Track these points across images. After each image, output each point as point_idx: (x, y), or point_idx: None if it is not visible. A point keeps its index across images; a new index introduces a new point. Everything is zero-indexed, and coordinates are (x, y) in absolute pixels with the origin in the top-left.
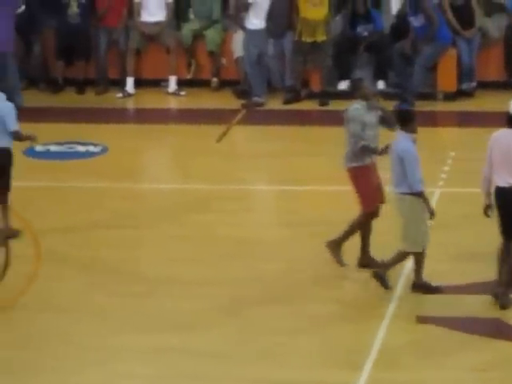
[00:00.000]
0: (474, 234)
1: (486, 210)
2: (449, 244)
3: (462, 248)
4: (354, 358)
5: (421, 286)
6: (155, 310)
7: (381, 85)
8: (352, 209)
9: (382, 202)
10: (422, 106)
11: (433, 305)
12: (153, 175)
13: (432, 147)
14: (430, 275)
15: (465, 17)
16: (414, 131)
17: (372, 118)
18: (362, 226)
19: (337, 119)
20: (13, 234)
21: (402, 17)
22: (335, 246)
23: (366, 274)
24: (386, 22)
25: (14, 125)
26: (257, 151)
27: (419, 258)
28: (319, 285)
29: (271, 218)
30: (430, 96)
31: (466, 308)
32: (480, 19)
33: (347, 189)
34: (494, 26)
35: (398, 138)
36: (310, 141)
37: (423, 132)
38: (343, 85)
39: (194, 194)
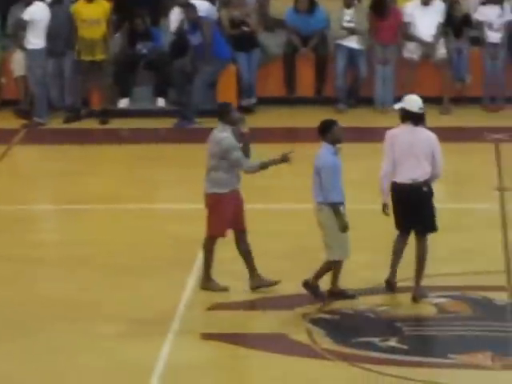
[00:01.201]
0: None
1: (384, 208)
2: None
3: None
4: (140, 375)
5: (339, 294)
6: None
7: (161, 102)
8: (133, 227)
9: (226, 235)
10: (206, 123)
11: (218, 321)
12: None
13: None
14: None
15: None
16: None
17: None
18: (210, 249)
19: (117, 137)
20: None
21: (180, 34)
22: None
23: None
24: (166, 40)
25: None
26: (38, 171)
27: (337, 267)
28: (103, 305)
29: (55, 237)
30: (211, 112)
31: (252, 324)
32: (260, 35)
33: (131, 207)
34: (274, 42)
35: (320, 149)
36: (90, 160)
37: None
38: (123, 103)
39: None
